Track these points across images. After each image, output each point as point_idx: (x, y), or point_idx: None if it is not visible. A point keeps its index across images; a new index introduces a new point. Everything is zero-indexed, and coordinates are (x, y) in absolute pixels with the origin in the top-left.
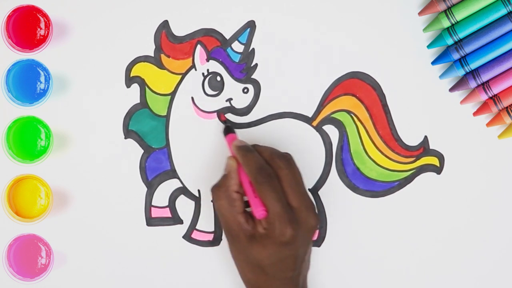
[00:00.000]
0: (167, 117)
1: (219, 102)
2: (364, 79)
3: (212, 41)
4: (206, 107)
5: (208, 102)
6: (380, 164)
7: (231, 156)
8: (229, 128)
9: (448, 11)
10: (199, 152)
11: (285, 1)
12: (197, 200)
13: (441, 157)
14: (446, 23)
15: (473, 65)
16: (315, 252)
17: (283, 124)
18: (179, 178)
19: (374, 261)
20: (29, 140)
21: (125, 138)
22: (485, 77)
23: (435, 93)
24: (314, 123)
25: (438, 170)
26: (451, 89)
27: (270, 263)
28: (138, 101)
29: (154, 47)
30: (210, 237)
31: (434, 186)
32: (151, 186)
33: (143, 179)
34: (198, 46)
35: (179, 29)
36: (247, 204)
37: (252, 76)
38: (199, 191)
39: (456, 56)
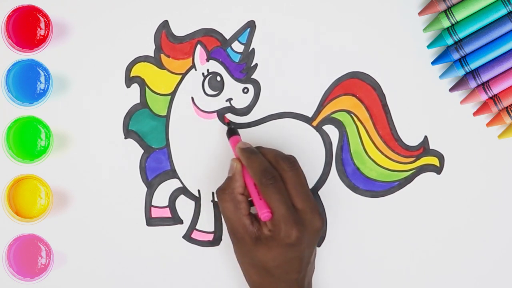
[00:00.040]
0: (167, 117)
1: (219, 102)
2: (364, 79)
3: (212, 41)
4: (206, 107)
5: (208, 102)
6: (380, 164)
7: (235, 158)
8: (232, 130)
9: (448, 11)
10: (199, 152)
11: (285, 1)
12: (197, 200)
13: (441, 157)
14: (446, 23)
15: (473, 65)
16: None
17: (283, 124)
18: (179, 178)
19: (374, 261)
20: (29, 140)
21: (125, 138)
22: (485, 77)
23: (435, 93)
24: (314, 123)
25: (438, 170)
26: (451, 89)
27: (276, 265)
28: (138, 101)
29: (154, 47)
30: (210, 237)
31: (434, 186)
32: (151, 186)
33: (143, 179)
34: (198, 46)
35: (179, 29)
36: (252, 205)
37: (252, 76)
38: (199, 191)
39: (456, 56)
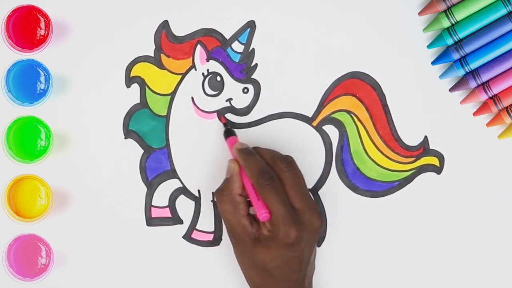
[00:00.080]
0: (167, 117)
1: (219, 102)
2: (364, 79)
3: (212, 41)
4: (206, 107)
5: (208, 102)
6: (380, 164)
7: (232, 159)
8: (229, 131)
9: (448, 11)
10: (199, 152)
11: (285, 1)
12: (197, 200)
13: (441, 157)
14: (446, 23)
15: (473, 65)
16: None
17: (283, 124)
18: (179, 178)
19: (374, 261)
20: (29, 140)
21: (125, 138)
22: (485, 77)
23: (435, 93)
24: (314, 123)
25: (438, 170)
26: (451, 89)
27: (276, 266)
28: (138, 101)
29: (154, 47)
30: (210, 237)
31: (434, 186)
32: (151, 186)
33: (143, 179)
34: (198, 46)
35: (179, 29)
36: (250, 206)
37: (252, 76)
38: (199, 191)
39: (456, 56)
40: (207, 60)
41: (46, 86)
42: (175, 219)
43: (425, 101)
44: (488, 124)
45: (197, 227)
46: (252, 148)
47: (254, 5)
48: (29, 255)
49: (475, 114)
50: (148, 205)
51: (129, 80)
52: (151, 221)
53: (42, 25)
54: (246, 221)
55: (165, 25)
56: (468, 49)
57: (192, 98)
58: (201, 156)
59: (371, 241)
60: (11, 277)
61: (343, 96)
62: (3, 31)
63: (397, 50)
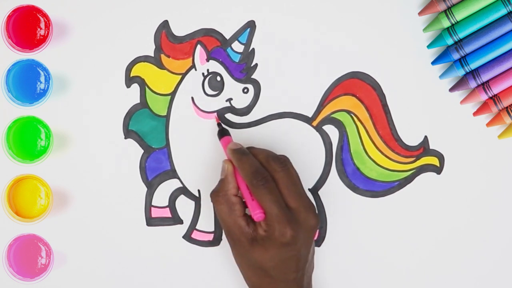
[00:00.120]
0: (167, 117)
1: (219, 102)
2: (364, 79)
3: (212, 41)
4: (206, 107)
5: (208, 102)
6: (380, 164)
7: (226, 159)
8: (223, 131)
9: (448, 11)
10: (199, 152)
11: (285, 1)
12: (197, 200)
13: (441, 157)
14: (446, 23)
15: (473, 65)
16: (315, 252)
17: (283, 124)
18: (179, 178)
19: (374, 261)
20: (29, 140)
21: (125, 138)
22: (485, 77)
23: (435, 93)
24: (314, 123)
25: (438, 170)
26: (451, 89)
27: (273, 265)
28: (138, 101)
29: (154, 47)
30: (210, 237)
31: (434, 186)
32: (151, 186)
33: (143, 179)
34: (198, 46)
35: (179, 29)
36: (247, 206)
37: (252, 76)
38: (199, 191)
39: (456, 56)
40: (207, 60)
41: (46, 86)
42: (175, 219)
43: (425, 101)
44: (488, 124)
45: (197, 227)
46: (247, 148)
47: (254, 5)
48: (29, 255)
49: (475, 114)
50: (148, 205)
51: (129, 80)
52: (151, 221)
53: (42, 25)
54: (243, 221)
55: (165, 25)
56: (468, 49)
57: (192, 98)
58: (201, 156)
59: (371, 241)
60: (11, 277)
61: (343, 96)
62: (3, 31)
63: (397, 50)
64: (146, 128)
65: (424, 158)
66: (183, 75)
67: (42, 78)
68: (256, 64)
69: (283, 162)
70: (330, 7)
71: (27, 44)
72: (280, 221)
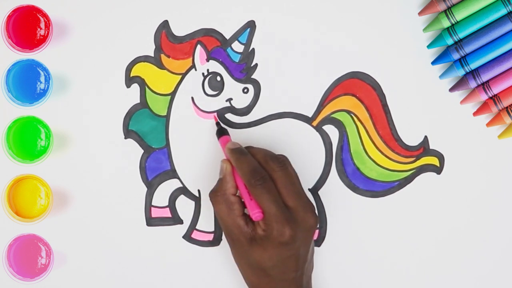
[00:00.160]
0: (167, 117)
1: (219, 102)
2: (364, 79)
3: (212, 41)
4: (206, 107)
5: (208, 102)
6: (380, 164)
7: (225, 159)
8: (222, 130)
9: (448, 11)
10: (199, 152)
11: (285, 1)
12: (197, 200)
13: (441, 157)
14: (446, 23)
15: (473, 65)
16: (315, 252)
17: (283, 124)
18: (179, 178)
19: (374, 261)
20: (29, 140)
21: (125, 138)
22: (485, 77)
23: (435, 93)
24: (314, 123)
25: (438, 170)
26: (451, 89)
27: (272, 265)
28: (138, 101)
29: (154, 47)
30: (210, 237)
31: (434, 186)
32: (151, 186)
33: (143, 179)
34: (198, 46)
35: (179, 29)
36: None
37: (252, 76)
38: (199, 191)
39: (456, 56)
40: (207, 60)
41: (46, 86)
42: (175, 219)
43: (425, 101)
44: (488, 124)
45: (197, 227)
46: (245, 148)
47: (254, 5)
48: (29, 255)
49: (475, 114)
50: (148, 205)
51: (129, 80)
52: (151, 221)
53: (42, 25)
54: (241, 221)
55: (165, 25)
56: (468, 49)
57: (192, 98)
58: (201, 156)
59: (371, 241)
60: (11, 277)
61: (343, 96)
62: (3, 31)
63: (397, 50)
64: (146, 128)
65: (424, 158)
66: (183, 75)
67: (42, 78)
68: (256, 64)
69: (282, 161)
70: (330, 7)
71: (27, 44)
72: (278, 221)
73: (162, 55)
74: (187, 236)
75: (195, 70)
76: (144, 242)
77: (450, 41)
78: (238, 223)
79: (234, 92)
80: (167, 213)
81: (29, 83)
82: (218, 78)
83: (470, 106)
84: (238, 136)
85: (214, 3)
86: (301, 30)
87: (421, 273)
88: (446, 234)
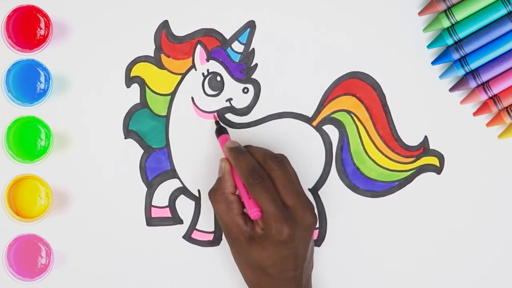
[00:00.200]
0: (167, 117)
1: (219, 102)
2: (364, 79)
3: (212, 41)
4: (206, 107)
5: (208, 102)
6: (380, 164)
7: (224, 158)
8: (221, 129)
9: (448, 11)
10: (199, 152)
11: (285, 1)
12: (197, 200)
13: (441, 157)
14: (446, 23)
15: (473, 65)
16: (315, 252)
17: (283, 124)
18: (179, 178)
19: (374, 261)
20: (29, 140)
21: (125, 138)
22: (485, 77)
23: (435, 93)
24: (314, 123)
25: (438, 170)
26: (451, 89)
27: (271, 264)
28: (138, 101)
29: (154, 47)
30: (210, 237)
31: (434, 186)
32: (151, 186)
33: (143, 179)
34: (198, 46)
35: (179, 29)
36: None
37: (252, 76)
38: (199, 191)
39: (456, 56)
40: (207, 60)
41: (46, 86)
42: (175, 219)
43: (425, 101)
44: (488, 124)
45: (197, 227)
46: (244, 147)
47: (254, 5)
48: (29, 255)
49: (475, 114)
50: (148, 205)
51: (129, 80)
52: (151, 221)
53: (42, 25)
54: (240, 220)
55: (165, 25)
56: (468, 49)
57: (192, 98)
58: (201, 156)
59: (371, 241)
60: (11, 277)
61: (343, 96)
62: (3, 31)
63: (397, 50)
64: (146, 128)
65: (424, 158)
66: (183, 75)
67: (42, 78)
68: (256, 64)
69: (280, 160)
70: (330, 7)
71: (27, 44)
72: (276, 219)
73: (162, 55)
74: (187, 236)
75: (195, 70)
76: (144, 242)
77: (450, 41)
78: (237, 222)
79: (234, 92)
80: (167, 213)
81: (29, 83)
82: (218, 78)
83: (470, 106)
84: (238, 136)
85: (214, 3)
86: (301, 30)
87: (421, 273)
88: (446, 234)
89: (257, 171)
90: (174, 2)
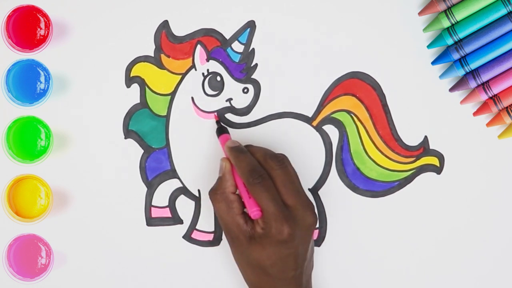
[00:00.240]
0: (167, 117)
1: (219, 102)
2: (364, 79)
3: (212, 41)
4: (206, 107)
5: (208, 102)
6: (380, 164)
7: (224, 157)
8: (222, 129)
9: (448, 11)
10: (199, 152)
11: (285, 1)
12: (197, 200)
13: (441, 157)
14: (446, 23)
15: (473, 65)
16: (315, 252)
17: (283, 124)
18: (179, 178)
19: (374, 261)
20: (29, 140)
21: (125, 138)
22: (485, 77)
23: (435, 93)
24: (314, 123)
25: (438, 170)
26: (451, 89)
27: (271, 263)
28: (138, 101)
29: (154, 47)
30: (210, 237)
31: (434, 186)
32: (151, 186)
33: (143, 179)
34: (198, 46)
35: (179, 29)
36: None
37: (252, 76)
38: (199, 191)
39: (456, 56)
40: (207, 60)
41: (46, 86)
42: (175, 219)
43: (425, 101)
44: (488, 124)
45: (197, 227)
46: (245, 146)
47: (254, 5)
48: (29, 255)
49: (475, 114)
50: (148, 205)
51: (129, 80)
52: (151, 221)
53: (42, 25)
54: (241, 219)
55: (165, 25)
56: (468, 49)
57: (192, 98)
58: (201, 156)
59: (371, 241)
60: (11, 277)
61: (343, 96)
62: (3, 31)
63: (397, 50)
64: (146, 128)
65: (424, 158)
66: (183, 75)
67: (42, 78)
68: (256, 64)
69: (281, 160)
70: (330, 7)
71: (27, 44)
72: (276, 219)
73: (162, 55)
74: (187, 236)
75: (195, 70)
76: (144, 242)
77: (450, 41)
78: (237, 221)
79: (234, 92)
80: (167, 213)
81: (29, 83)
82: (218, 78)
83: (470, 106)
84: (238, 136)
85: (214, 3)
86: (301, 30)
87: (421, 273)
88: (446, 234)
89: (258, 171)
90: (174, 2)
